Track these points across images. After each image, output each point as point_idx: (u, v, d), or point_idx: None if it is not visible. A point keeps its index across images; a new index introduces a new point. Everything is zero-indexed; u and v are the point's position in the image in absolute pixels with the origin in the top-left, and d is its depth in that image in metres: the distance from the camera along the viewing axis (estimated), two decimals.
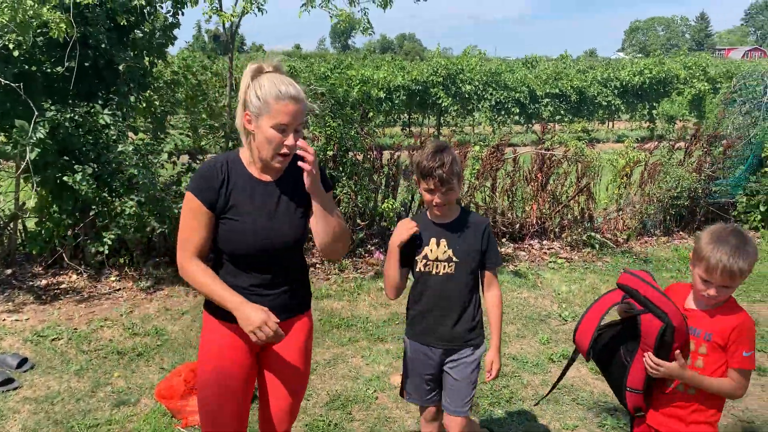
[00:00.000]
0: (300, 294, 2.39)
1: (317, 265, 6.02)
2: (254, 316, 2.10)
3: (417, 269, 2.63)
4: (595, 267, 6.27)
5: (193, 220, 2.18)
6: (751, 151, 7.12)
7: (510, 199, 6.81)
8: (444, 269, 2.59)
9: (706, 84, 15.49)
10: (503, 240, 6.84)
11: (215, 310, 2.25)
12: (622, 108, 15.34)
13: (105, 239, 5.16)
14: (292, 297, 2.34)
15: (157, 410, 3.59)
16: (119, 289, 5.38)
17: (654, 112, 15.38)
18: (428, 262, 2.60)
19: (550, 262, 6.30)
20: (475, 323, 2.65)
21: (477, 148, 6.53)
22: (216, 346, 2.29)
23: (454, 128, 12.52)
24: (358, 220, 6.41)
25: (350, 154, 6.09)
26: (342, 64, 15.45)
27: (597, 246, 6.63)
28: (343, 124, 5.87)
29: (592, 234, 6.68)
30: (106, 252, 5.27)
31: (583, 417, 3.63)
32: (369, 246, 6.44)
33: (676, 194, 6.94)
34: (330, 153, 5.91)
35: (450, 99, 13.39)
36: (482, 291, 2.71)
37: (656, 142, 7.46)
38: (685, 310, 2.16)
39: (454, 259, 2.57)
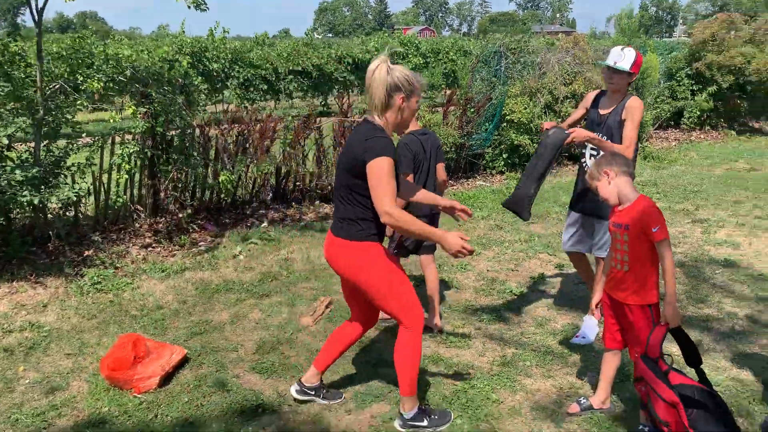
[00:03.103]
0: None
1: (153, 246, 6.03)
2: (456, 242, 2.89)
3: None
4: None
5: (393, 178, 2.85)
6: (494, 110, 8.81)
7: (320, 164, 7.49)
8: None
9: (420, 58, 17.83)
10: (317, 202, 7.52)
11: (375, 237, 3.05)
12: (356, 83, 16.85)
13: None
14: None
15: (99, 385, 3.60)
16: None
17: None
18: None
19: None
20: None
21: (290, 118, 7.05)
22: (388, 259, 3.08)
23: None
24: (187, 195, 6.51)
25: (175, 130, 6.17)
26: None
27: None
28: (169, 100, 5.92)
29: None
30: None
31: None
32: (199, 220, 6.59)
33: (446, 149, 8.29)
34: (159, 130, 5.93)
35: (199, 78, 13.34)
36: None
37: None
38: (615, 213, 3.13)
39: None
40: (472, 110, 8.72)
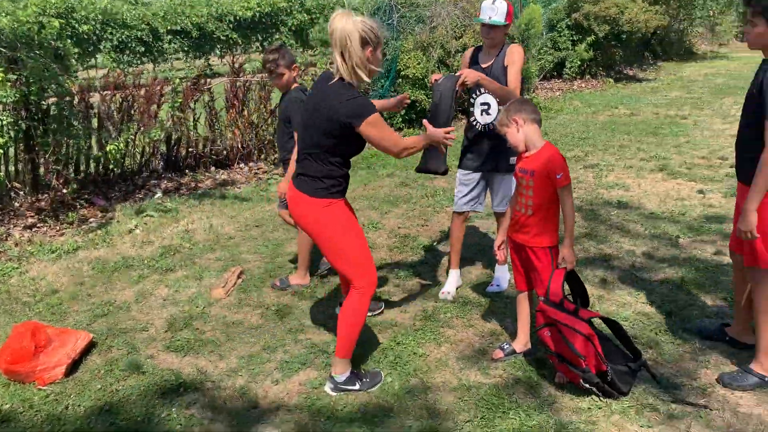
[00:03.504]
0: None
1: (38, 226, 5.56)
2: (438, 134, 3.17)
3: None
4: None
5: (385, 126, 3.00)
6: (389, 65, 8.74)
7: (213, 128, 7.15)
8: None
9: (305, 15, 17.36)
10: (212, 169, 7.20)
11: (338, 194, 3.10)
12: (240, 41, 16.19)
13: None
14: None
15: None
16: None
17: (266, 44, 16.68)
18: None
19: (269, 179, 6.95)
20: None
21: (177, 81, 6.65)
22: (348, 217, 3.13)
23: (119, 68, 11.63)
24: (71, 168, 6.03)
25: (52, 98, 5.65)
26: None
27: None
28: (42, 65, 5.40)
29: None
30: None
31: None
32: (86, 195, 6.13)
33: None
34: (34, 99, 5.41)
35: (68, 41, 12.25)
36: None
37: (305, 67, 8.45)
38: (521, 159, 3.17)
39: None
40: None
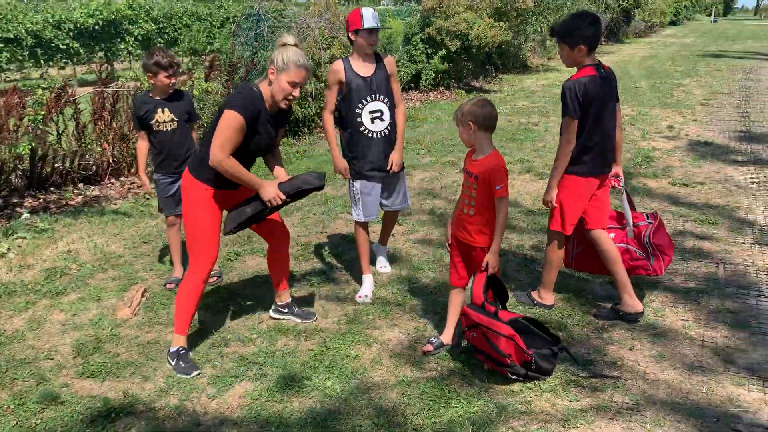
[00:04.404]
0: None
1: None
2: (272, 190, 3.38)
3: None
4: None
5: (236, 130, 3.21)
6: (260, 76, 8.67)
7: (81, 142, 6.68)
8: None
9: (152, 24, 16.60)
10: (80, 185, 6.72)
11: (200, 178, 3.41)
12: (81, 51, 15.11)
13: None
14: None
15: None
16: None
17: (109, 54, 15.72)
18: None
19: (146, 193, 6.61)
20: None
21: (40, 91, 6.15)
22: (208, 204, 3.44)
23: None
24: None
25: None
26: None
27: None
28: None
29: None
30: None
31: None
32: None
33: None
34: None
35: None
36: None
37: (184, 77, 8.21)
38: (470, 162, 3.34)
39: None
40: (238, 77, 8.46)
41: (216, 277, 4.51)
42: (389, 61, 4.15)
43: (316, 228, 5.62)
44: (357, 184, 4.21)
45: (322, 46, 9.43)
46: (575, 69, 3.72)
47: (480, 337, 3.28)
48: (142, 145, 4.36)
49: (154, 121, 4.23)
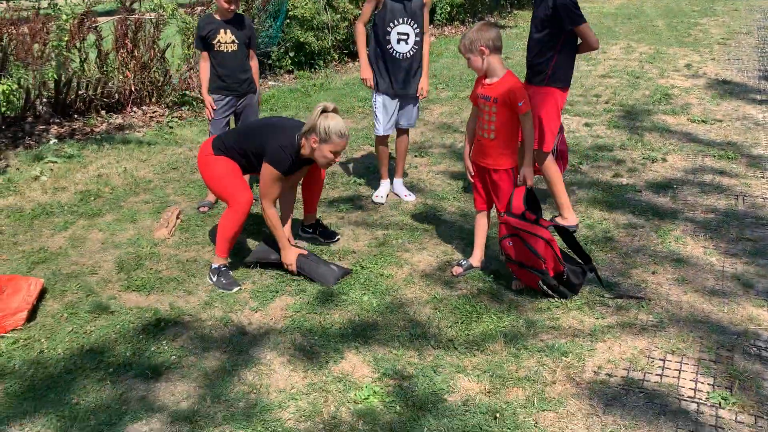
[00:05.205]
0: None
1: None
2: (292, 257, 3.61)
3: None
4: (197, 119, 6.88)
5: (278, 183, 3.52)
6: (279, 6, 8.57)
7: (103, 69, 6.69)
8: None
9: None
10: (103, 113, 6.77)
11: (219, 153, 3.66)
12: None
13: None
14: None
15: None
16: None
17: None
18: None
19: (170, 122, 6.67)
20: None
21: (64, 17, 6.13)
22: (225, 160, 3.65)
23: None
24: None
25: None
26: None
27: (193, 102, 7.22)
28: None
29: (186, 93, 7.23)
30: None
31: None
32: None
33: None
34: None
35: None
36: None
37: (202, 6, 8.10)
38: (483, 86, 3.41)
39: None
40: (256, 7, 8.38)
41: (207, 207, 4.58)
42: None
43: (341, 158, 5.70)
44: (379, 98, 4.57)
45: None
46: None
47: (518, 243, 3.38)
48: (204, 66, 4.47)
49: (216, 41, 4.35)
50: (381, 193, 4.80)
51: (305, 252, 3.70)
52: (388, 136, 4.71)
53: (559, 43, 3.93)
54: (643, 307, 3.34)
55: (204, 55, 4.46)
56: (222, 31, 4.35)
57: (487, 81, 3.43)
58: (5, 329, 3.10)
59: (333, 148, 3.43)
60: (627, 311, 3.31)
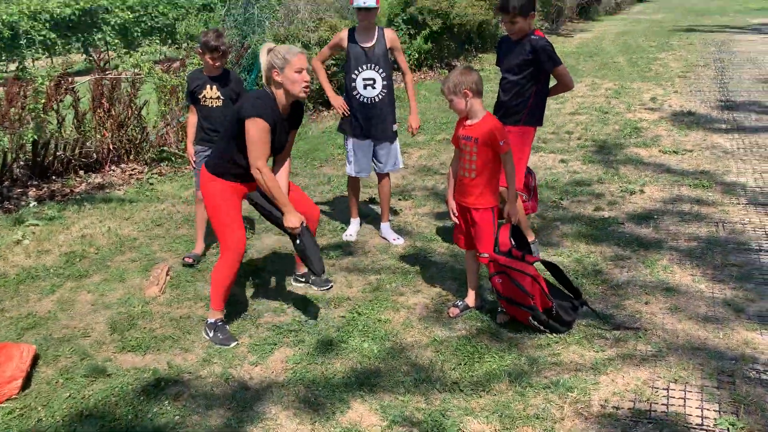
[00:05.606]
0: None
1: None
2: (297, 221, 3.44)
3: None
4: (177, 174, 6.87)
5: (267, 138, 3.36)
6: (252, 59, 8.69)
7: (80, 130, 6.68)
8: None
9: (129, 13, 16.39)
10: (82, 173, 6.73)
11: (217, 173, 3.55)
12: (58, 42, 14.88)
13: None
14: None
15: None
16: None
17: (88, 42, 15.52)
18: None
19: (149, 179, 6.65)
20: None
21: (40, 80, 6.14)
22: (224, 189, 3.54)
23: None
24: None
25: None
26: None
27: (171, 158, 7.21)
28: None
29: (164, 149, 7.23)
30: None
31: None
32: None
33: None
34: None
35: None
36: None
37: (177, 63, 8.17)
38: (465, 127, 3.49)
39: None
40: (230, 61, 8.47)
41: (192, 258, 4.55)
42: (390, 35, 4.58)
43: (324, 206, 5.73)
44: (349, 142, 4.74)
45: (310, 29, 9.47)
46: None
47: (506, 280, 3.43)
48: (192, 119, 4.55)
49: (202, 96, 4.42)
50: (350, 232, 4.96)
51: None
52: (359, 178, 4.86)
53: (536, 84, 4.08)
54: (640, 337, 3.38)
55: (192, 109, 4.54)
56: (208, 86, 4.41)
57: (468, 122, 3.52)
58: (0, 399, 3.01)
59: (294, 66, 3.35)
60: (625, 342, 3.35)
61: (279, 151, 3.62)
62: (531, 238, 4.35)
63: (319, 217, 4.03)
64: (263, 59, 3.43)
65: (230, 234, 3.49)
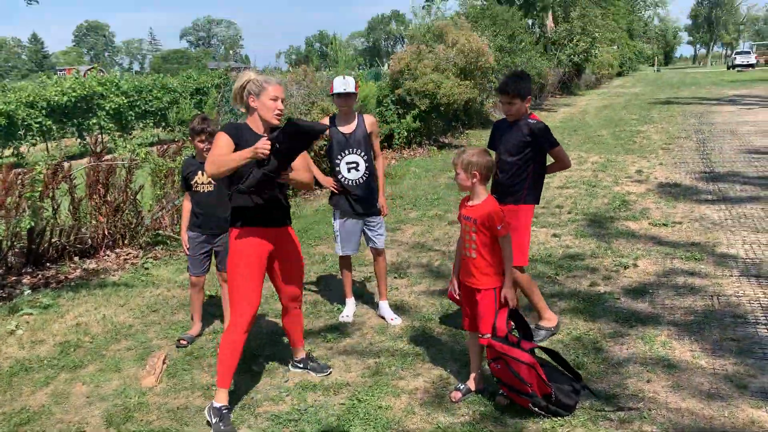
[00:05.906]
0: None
1: None
2: (257, 144, 3.25)
3: None
4: (172, 258, 6.88)
5: (221, 146, 3.38)
6: None
7: (75, 216, 6.72)
8: None
9: (123, 98, 16.78)
10: (76, 259, 6.73)
11: (235, 224, 3.60)
12: (53, 128, 15.16)
13: None
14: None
15: None
16: None
17: (83, 127, 15.79)
18: None
19: (144, 263, 6.65)
20: None
21: (38, 168, 6.23)
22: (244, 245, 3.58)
23: None
24: None
25: None
26: None
27: (166, 242, 7.25)
28: None
29: (159, 232, 7.26)
30: None
31: None
32: None
33: None
34: None
35: None
36: None
37: (166, 146, 8.33)
38: (466, 207, 3.56)
39: None
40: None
41: (186, 340, 4.61)
42: (369, 120, 4.81)
43: (320, 286, 5.74)
44: (336, 222, 4.89)
45: (303, 112, 9.72)
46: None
47: (503, 367, 3.42)
48: (186, 205, 4.63)
49: (194, 182, 4.52)
50: (347, 313, 5.00)
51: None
52: (349, 256, 4.96)
53: (533, 164, 4.23)
54: (645, 417, 3.35)
55: (186, 195, 4.62)
56: (200, 172, 4.50)
57: (470, 203, 3.60)
58: None
59: (270, 95, 3.47)
60: (630, 423, 3.31)
61: (277, 171, 3.37)
62: (554, 320, 4.43)
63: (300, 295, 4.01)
64: (236, 88, 3.55)
65: (244, 299, 3.54)
